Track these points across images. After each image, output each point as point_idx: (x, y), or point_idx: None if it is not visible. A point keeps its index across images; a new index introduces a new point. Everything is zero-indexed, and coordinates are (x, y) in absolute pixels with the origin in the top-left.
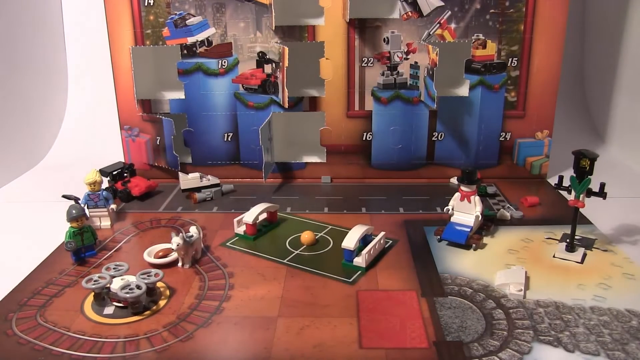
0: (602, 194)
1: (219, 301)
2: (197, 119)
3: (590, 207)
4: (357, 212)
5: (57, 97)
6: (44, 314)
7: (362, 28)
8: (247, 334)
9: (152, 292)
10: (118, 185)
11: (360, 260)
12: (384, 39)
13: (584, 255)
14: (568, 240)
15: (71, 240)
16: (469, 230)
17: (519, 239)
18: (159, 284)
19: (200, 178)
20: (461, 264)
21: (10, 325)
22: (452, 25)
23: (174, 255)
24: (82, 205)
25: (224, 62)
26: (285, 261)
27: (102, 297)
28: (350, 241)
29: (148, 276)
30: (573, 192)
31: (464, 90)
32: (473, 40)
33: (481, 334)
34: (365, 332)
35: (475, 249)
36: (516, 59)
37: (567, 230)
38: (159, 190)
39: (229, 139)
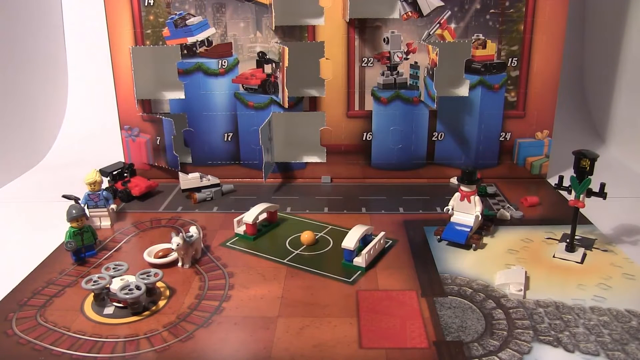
0: (602, 194)
1: (219, 301)
2: (197, 119)
3: (590, 207)
4: (357, 212)
5: (57, 97)
6: (44, 313)
7: (362, 28)
8: (247, 333)
9: (151, 292)
10: (118, 185)
11: (360, 260)
12: (384, 39)
13: (584, 255)
14: (568, 240)
15: (71, 240)
16: (468, 230)
17: (519, 239)
18: (159, 284)
19: (200, 178)
20: (461, 264)
21: (11, 325)
22: (452, 25)
23: (173, 255)
24: (82, 205)
25: (224, 62)
26: (285, 261)
27: (102, 297)
28: (350, 241)
29: (147, 276)
30: (573, 192)
31: (464, 90)
32: (473, 40)
33: (481, 334)
34: (365, 332)
35: (475, 249)
36: (516, 59)
37: (567, 230)
38: (159, 190)
39: (229, 139)
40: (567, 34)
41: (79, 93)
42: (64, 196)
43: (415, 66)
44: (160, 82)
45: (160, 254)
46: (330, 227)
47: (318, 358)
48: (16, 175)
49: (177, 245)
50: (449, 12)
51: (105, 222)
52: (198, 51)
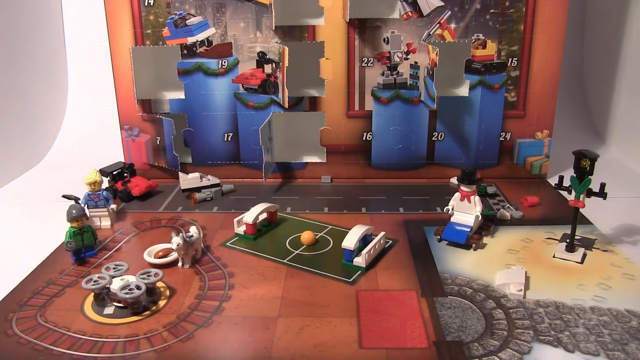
0: (602, 194)
1: (219, 301)
2: (197, 119)
3: (590, 207)
4: (357, 212)
5: (57, 97)
6: (44, 313)
7: (362, 28)
8: (247, 333)
9: (152, 292)
10: (118, 185)
11: (360, 260)
12: (384, 39)
13: (584, 255)
14: (568, 240)
15: (71, 240)
16: (469, 230)
17: (519, 239)
18: (159, 284)
19: (200, 178)
20: (461, 264)
21: (11, 325)
22: (452, 25)
23: (174, 255)
24: (82, 205)
25: (224, 62)
26: (285, 261)
27: (102, 297)
28: (350, 241)
29: (148, 276)
30: (573, 192)
31: (464, 90)
32: (473, 40)
33: (481, 334)
34: (365, 332)
35: (475, 249)
36: (516, 59)
37: (567, 230)
38: (159, 190)
39: (229, 139)
40: (567, 34)
41: (79, 93)
42: (64, 196)
43: (415, 66)
44: (160, 82)
45: (160, 254)
46: (330, 227)
47: (318, 358)
48: (16, 175)
49: (177, 245)
50: (449, 12)
51: (105, 222)
52: (198, 51)
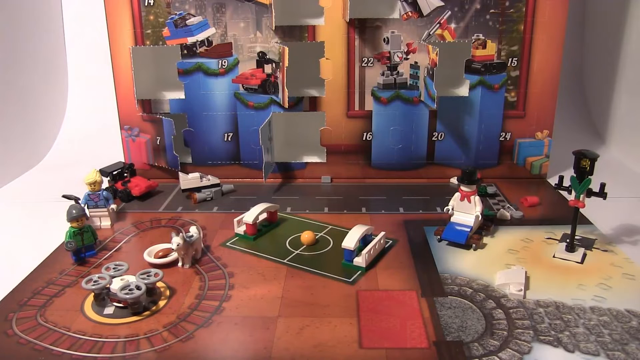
0: (602, 194)
1: (219, 301)
2: (197, 119)
3: (590, 207)
4: (357, 212)
5: (57, 97)
6: (44, 313)
7: (362, 28)
8: (247, 333)
9: (152, 292)
10: (118, 185)
11: (360, 260)
12: (384, 39)
13: (584, 255)
14: (568, 240)
15: (71, 240)
16: (469, 230)
17: (519, 239)
18: (159, 284)
19: (200, 178)
20: (461, 264)
21: (11, 325)
22: (452, 25)
23: (174, 255)
24: (82, 205)
25: (224, 62)
26: (285, 261)
27: (102, 297)
28: (350, 241)
29: (148, 276)
30: (573, 192)
31: (464, 90)
32: (473, 40)
33: (481, 334)
34: (365, 332)
35: (475, 249)
36: (516, 59)
37: (567, 230)
38: (159, 190)
39: (229, 139)
40: (567, 34)
41: (79, 93)
42: (64, 196)
43: (415, 66)
44: (160, 82)
45: (160, 254)
46: (330, 227)
47: (318, 358)
48: (16, 175)
49: (177, 245)
50: (449, 12)
51: (105, 222)
52: (198, 51)
